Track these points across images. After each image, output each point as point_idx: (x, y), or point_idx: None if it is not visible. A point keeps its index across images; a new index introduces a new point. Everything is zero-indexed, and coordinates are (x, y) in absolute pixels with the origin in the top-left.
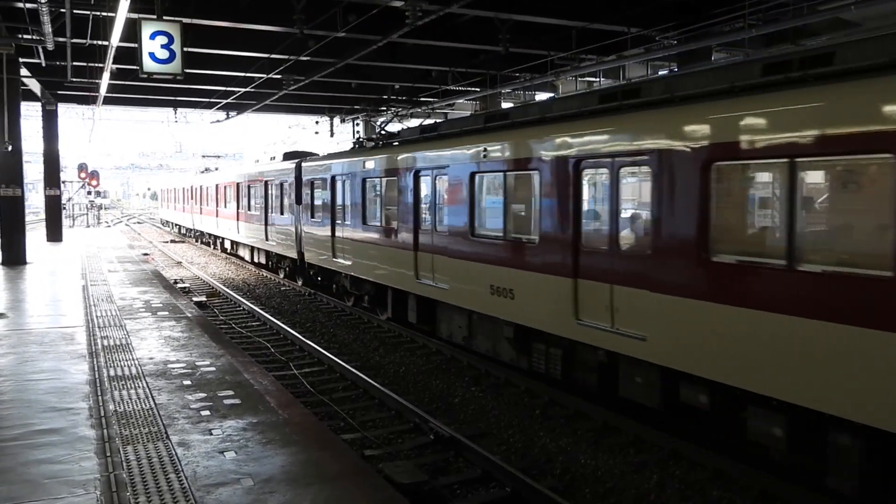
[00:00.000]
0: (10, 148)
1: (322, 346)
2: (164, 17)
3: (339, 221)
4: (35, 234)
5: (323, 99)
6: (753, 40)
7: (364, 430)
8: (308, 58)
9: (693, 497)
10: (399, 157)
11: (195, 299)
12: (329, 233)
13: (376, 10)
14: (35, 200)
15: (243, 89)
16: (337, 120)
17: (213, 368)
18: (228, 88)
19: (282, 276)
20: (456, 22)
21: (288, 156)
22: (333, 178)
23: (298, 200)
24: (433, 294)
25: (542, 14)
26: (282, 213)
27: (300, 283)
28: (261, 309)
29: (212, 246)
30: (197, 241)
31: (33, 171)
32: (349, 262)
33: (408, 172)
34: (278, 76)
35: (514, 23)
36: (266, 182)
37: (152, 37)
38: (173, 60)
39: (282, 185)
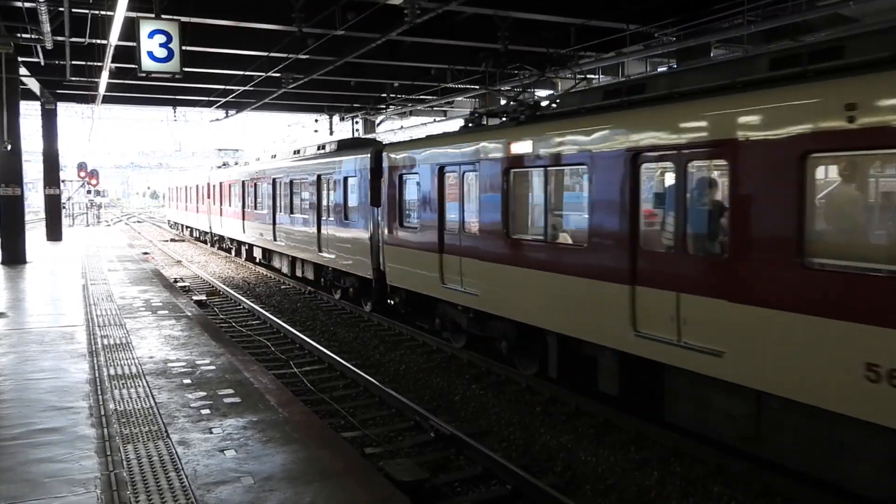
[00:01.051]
0: (9, 147)
1: (322, 344)
2: (163, 16)
3: (451, 230)
4: (35, 233)
5: (322, 97)
6: (753, 37)
7: (364, 429)
8: (307, 56)
9: (694, 494)
10: (596, 134)
11: (195, 298)
12: (435, 247)
13: (375, 7)
14: (35, 200)
15: (242, 88)
16: (336, 118)
17: (213, 367)
18: (227, 87)
19: (337, 296)
20: (455, 20)
21: (345, 144)
22: (442, 170)
23: (375, 201)
24: (673, 359)
25: (541, 11)
26: (346, 218)
27: (367, 307)
28: (261, 307)
29: (233, 253)
30: (212, 246)
31: (33, 170)
32: (475, 292)
33: (613, 160)
34: (277, 74)
35: (512, 20)
36: (319, 177)
37: (151, 35)
38: (172, 59)
39: (345, 181)
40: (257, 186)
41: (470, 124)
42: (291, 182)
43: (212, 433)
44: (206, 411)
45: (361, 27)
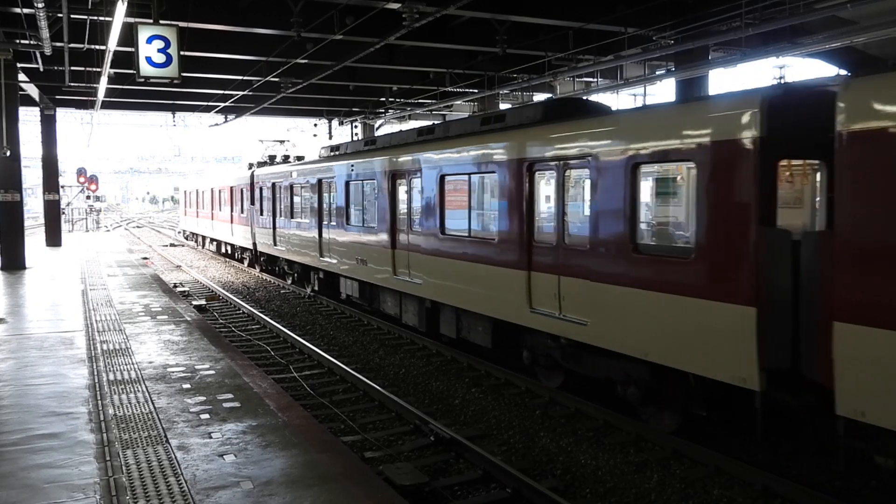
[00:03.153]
0: (8, 153)
1: (322, 348)
2: (161, 22)
3: None
4: (34, 238)
5: (321, 101)
6: (750, 39)
7: (364, 433)
8: (306, 60)
9: (694, 496)
10: None
11: (194, 303)
12: None
13: (373, 12)
14: (34, 205)
15: (241, 92)
16: (335, 122)
17: (212, 372)
18: (226, 92)
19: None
20: (453, 23)
21: (556, 109)
22: None
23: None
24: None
25: (540, 15)
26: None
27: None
28: (260, 312)
29: (290, 280)
30: (251, 267)
31: (32, 175)
32: None
33: None
34: (276, 79)
35: (511, 24)
36: (531, 168)
37: (149, 41)
38: (170, 64)
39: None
40: (350, 188)
41: None
42: (441, 178)
43: (211, 438)
44: (206, 416)
45: (360, 31)
